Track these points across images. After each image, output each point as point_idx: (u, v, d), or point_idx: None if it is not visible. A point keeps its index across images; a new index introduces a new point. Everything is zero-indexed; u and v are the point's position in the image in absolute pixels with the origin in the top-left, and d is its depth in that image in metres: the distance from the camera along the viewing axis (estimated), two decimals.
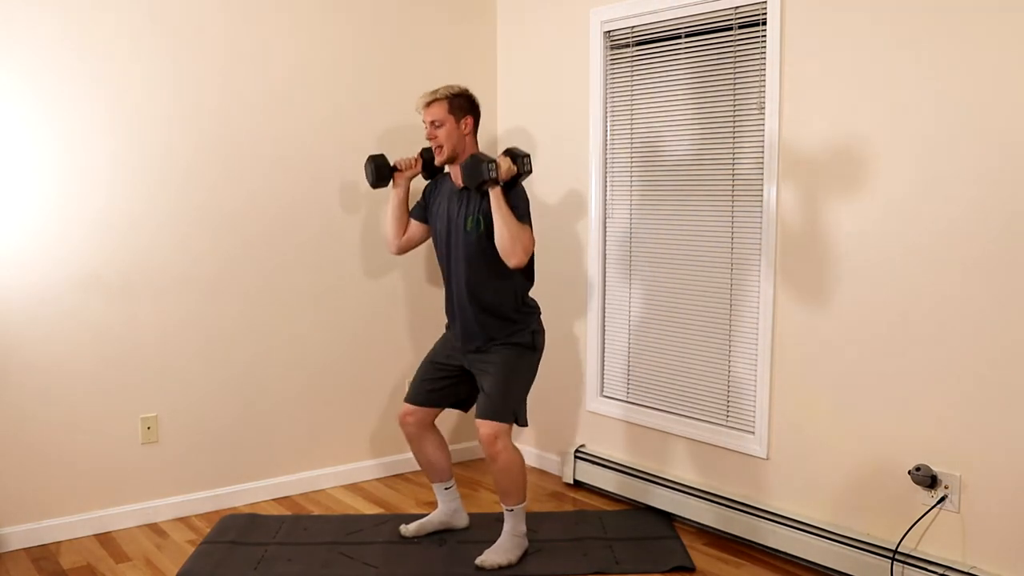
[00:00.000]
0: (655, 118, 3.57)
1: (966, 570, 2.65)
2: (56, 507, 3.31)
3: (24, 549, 3.23)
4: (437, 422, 3.33)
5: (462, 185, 3.05)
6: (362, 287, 3.99)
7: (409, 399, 3.26)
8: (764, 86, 3.14)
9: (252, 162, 3.65)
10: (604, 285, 3.86)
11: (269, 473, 3.80)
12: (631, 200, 3.70)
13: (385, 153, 3.38)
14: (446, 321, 3.28)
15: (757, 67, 3.17)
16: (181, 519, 3.54)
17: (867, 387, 2.92)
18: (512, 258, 2.92)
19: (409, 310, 4.13)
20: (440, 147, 3.10)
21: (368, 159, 3.32)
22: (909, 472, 2.79)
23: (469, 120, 3.11)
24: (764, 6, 3.11)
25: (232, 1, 3.54)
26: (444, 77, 4.13)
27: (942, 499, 2.74)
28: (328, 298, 3.90)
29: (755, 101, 3.19)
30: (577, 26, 3.84)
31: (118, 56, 3.31)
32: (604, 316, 3.87)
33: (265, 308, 3.73)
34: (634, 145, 3.67)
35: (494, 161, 2.90)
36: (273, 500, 3.78)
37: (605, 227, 3.83)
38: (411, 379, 4.11)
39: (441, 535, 3.33)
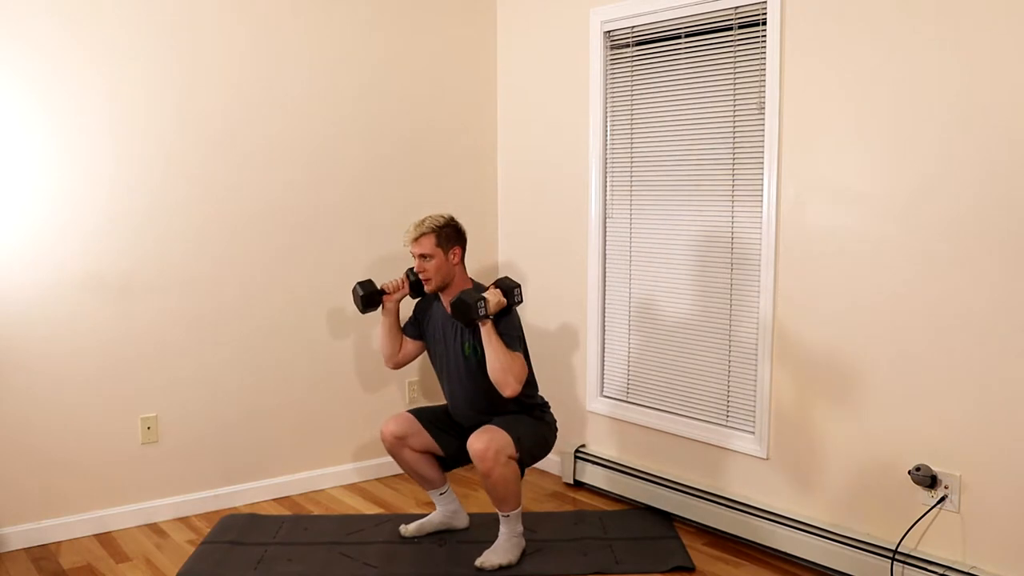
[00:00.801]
0: (655, 118, 3.57)
1: (966, 570, 2.64)
2: (56, 507, 3.31)
3: (24, 549, 3.23)
4: None
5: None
6: None
7: (410, 410, 3.29)
8: (764, 86, 3.14)
9: (253, 164, 3.65)
10: (604, 285, 3.85)
11: (269, 473, 3.80)
12: (631, 200, 3.70)
13: (371, 279, 3.32)
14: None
15: (757, 67, 3.17)
16: (181, 519, 3.54)
17: (867, 387, 2.92)
18: (506, 388, 2.92)
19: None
20: (429, 280, 3.12)
21: (356, 286, 3.27)
22: (909, 472, 2.79)
23: (457, 250, 3.14)
24: (764, 6, 3.11)
25: (232, 2, 3.54)
26: (444, 77, 4.14)
27: (942, 499, 2.74)
28: (328, 298, 3.90)
29: (755, 101, 3.19)
30: (577, 26, 3.84)
31: (119, 57, 3.31)
32: (604, 316, 3.87)
33: (265, 309, 3.73)
34: (634, 145, 3.67)
35: (483, 299, 2.92)
36: (273, 500, 3.78)
37: (605, 227, 3.83)
38: (412, 380, 4.14)
39: (441, 535, 3.33)
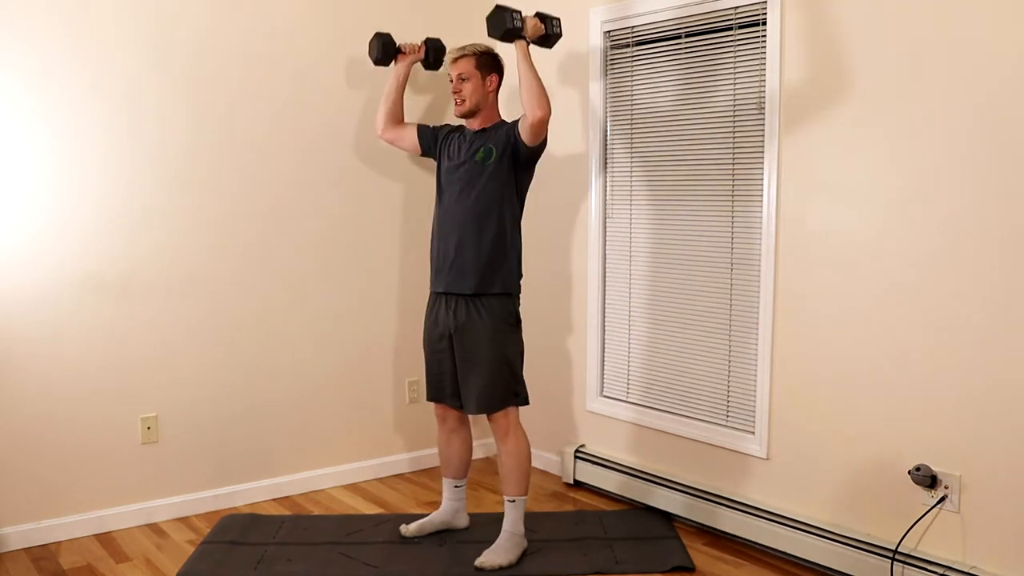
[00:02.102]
0: (655, 118, 3.57)
1: (966, 570, 2.64)
2: (56, 507, 3.31)
3: (24, 549, 3.23)
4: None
5: (478, 128, 3.15)
6: (363, 286, 3.99)
7: (431, 397, 3.29)
8: (764, 86, 3.14)
9: (252, 162, 3.65)
10: (604, 285, 3.86)
11: (269, 473, 3.80)
12: (631, 200, 3.70)
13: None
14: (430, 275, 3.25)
15: (757, 67, 3.17)
16: (181, 519, 3.54)
17: (867, 387, 2.92)
18: (537, 110, 2.94)
19: (409, 311, 4.13)
20: (463, 102, 3.14)
21: (375, 35, 3.41)
22: (909, 472, 2.79)
23: (494, 78, 3.16)
24: (764, 6, 3.11)
25: (235, 2, 3.55)
26: (444, 76, 4.13)
27: (942, 499, 2.74)
28: (328, 298, 3.90)
29: (755, 101, 3.19)
30: (577, 26, 3.84)
31: (118, 58, 3.31)
32: (604, 316, 3.87)
33: (265, 308, 3.73)
34: (634, 145, 3.67)
35: (519, 12, 2.91)
36: (273, 500, 3.78)
37: (605, 227, 3.83)
38: (412, 379, 4.15)
39: (441, 535, 3.33)
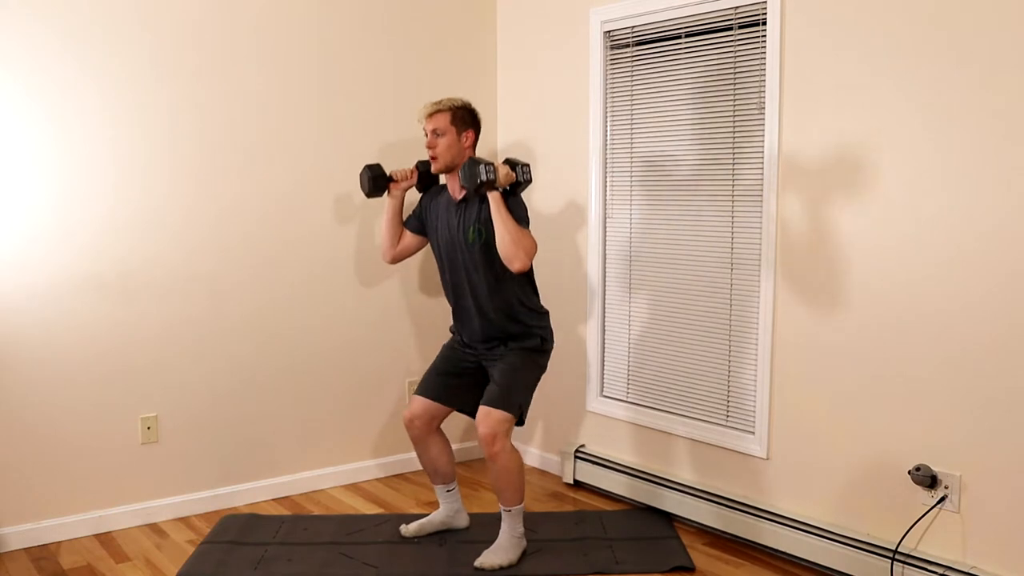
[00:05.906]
0: (655, 118, 3.57)
1: (966, 570, 2.65)
2: (56, 507, 3.31)
3: (24, 549, 3.23)
4: (444, 423, 3.32)
5: (459, 197, 3.07)
6: (363, 287, 3.99)
7: (420, 391, 3.23)
8: (764, 86, 3.14)
9: (253, 163, 3.65)
10: (604, 285, 3.86)
11: (269, 473, 3.80)
12: (631, 201, 3.70)
13: (382, 163, 3.34)
14: (451, 325, 3.27)
15: (757, 67, 3.17)
16: (181, 519, 3.54)
17: (867, 387, 2.92)
18: (515, 261, 2.90)
19: (410, 310, 4.13)
20: (437, 157, 3.09)
21: (364, 169, 3.28)
22: (909, 472, 2.79)
23: (470, 134, 3.12)
24: (764, 6, 3.11)
25: (233, 5, 3.55)
26: (444, 78, 4.14)
27: (942, 499, 2.74)
28: (329, 297, 3.90)
29: (755, 101, 3.19)
30: (577, 26, 3.84)
31: (119, 58, 3.31)
32: (604, 316, 3.87)
33: (265, 308, 3.73)
34: (634, 145, 3.67)
35: (492, 164, 2.90)
36: (273, 500, 3.78)
37: (605, 227, 3.83)
38: (412, 380, 4.14)
39: (441, 535, 3.33)
